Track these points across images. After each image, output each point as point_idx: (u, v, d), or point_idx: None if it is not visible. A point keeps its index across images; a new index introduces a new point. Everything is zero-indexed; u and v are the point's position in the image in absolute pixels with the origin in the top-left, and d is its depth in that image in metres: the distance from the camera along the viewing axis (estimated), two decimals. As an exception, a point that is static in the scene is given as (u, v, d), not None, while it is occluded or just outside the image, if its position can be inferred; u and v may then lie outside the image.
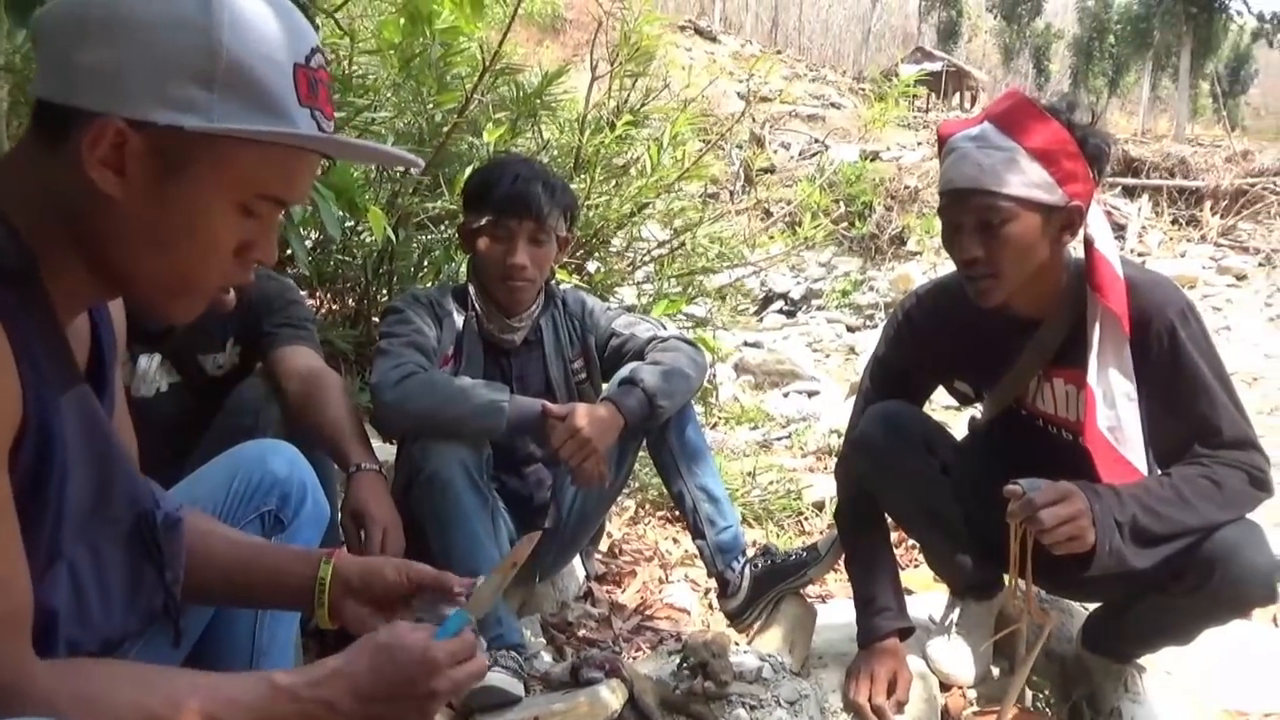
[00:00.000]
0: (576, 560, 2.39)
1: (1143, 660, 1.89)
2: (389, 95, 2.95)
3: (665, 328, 2.11)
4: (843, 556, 1.96)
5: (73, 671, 0.81)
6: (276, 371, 1.76)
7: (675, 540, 2.94)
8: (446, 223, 3.15)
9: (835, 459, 2.62)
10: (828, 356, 8.34)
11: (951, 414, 2.91)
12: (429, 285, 2.85)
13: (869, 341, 8.12)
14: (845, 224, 10.56)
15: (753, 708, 1.68)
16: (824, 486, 3.39)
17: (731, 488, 3.11)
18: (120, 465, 0.91)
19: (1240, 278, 11.67)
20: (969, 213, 1.58)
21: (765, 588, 1.97)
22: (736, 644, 1.88)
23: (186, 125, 0.79)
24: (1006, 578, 1.69)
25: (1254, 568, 1.55)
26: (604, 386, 2.08)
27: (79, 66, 0.79)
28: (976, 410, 1.96)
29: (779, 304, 11.73)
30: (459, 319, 2.00)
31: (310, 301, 3.13)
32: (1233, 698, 1.99)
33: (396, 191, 3.02)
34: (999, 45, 51.49)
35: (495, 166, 2.04)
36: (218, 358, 1.85)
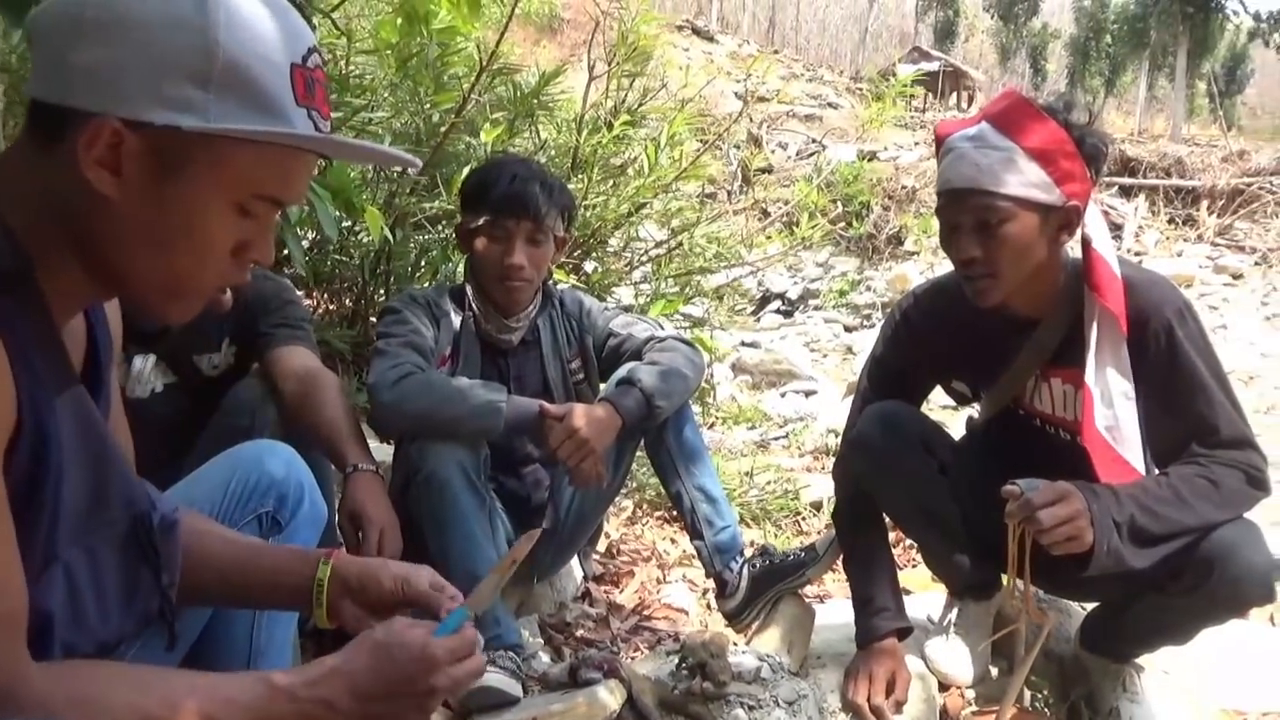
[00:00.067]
0: (574, 561, 2.39)
1: (1141, 660, 1.89)
2: (386, 95, 2.95)
3: (663, 328, 2.11)
4: (841, 556, 1.96)
5: (68, 674, 0.80)
6: (273, 372, 1.76)
7: (673, 540, 2.93)
8: (444, 223, 3.14)
9: (833, 459, 2.62)
10: (825, 356, 8.35)
11: (949, 414, 2.91)
12: (426, 285, 2.84)
13: (866, 341, 8.13)
14: (842, 224, 10.58)
15: (751, 708, 1.68)
16: (822, 486, 3.40)
17: (729, 488, 3.11)
18: (116, 467, 0.91)
19: (1237, 277, 11.70)
20: (967, 213, 1.58)
21: (763, 588, 1.97)
22: (735, 644, 1.88)
23: (183, 125, 0.79)
24: (1005, 578, 1.70)
25: (1252, 567, 1.55)
26: (601, 387, 2.08)
27: (74, 66, 0.79)
28: (974, 410, 1.96)
29: (776, 304, 11.75)
30: (456, 319, 2.00)
31: (307, 302, 3.12)
32: (1231, 697, 1.99)
33: (394, 191, 3.01)
34: (996, 45, 51.53)
35: (493, 166, 2.04)
36: (213, 358, 1.84)
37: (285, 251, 2.02)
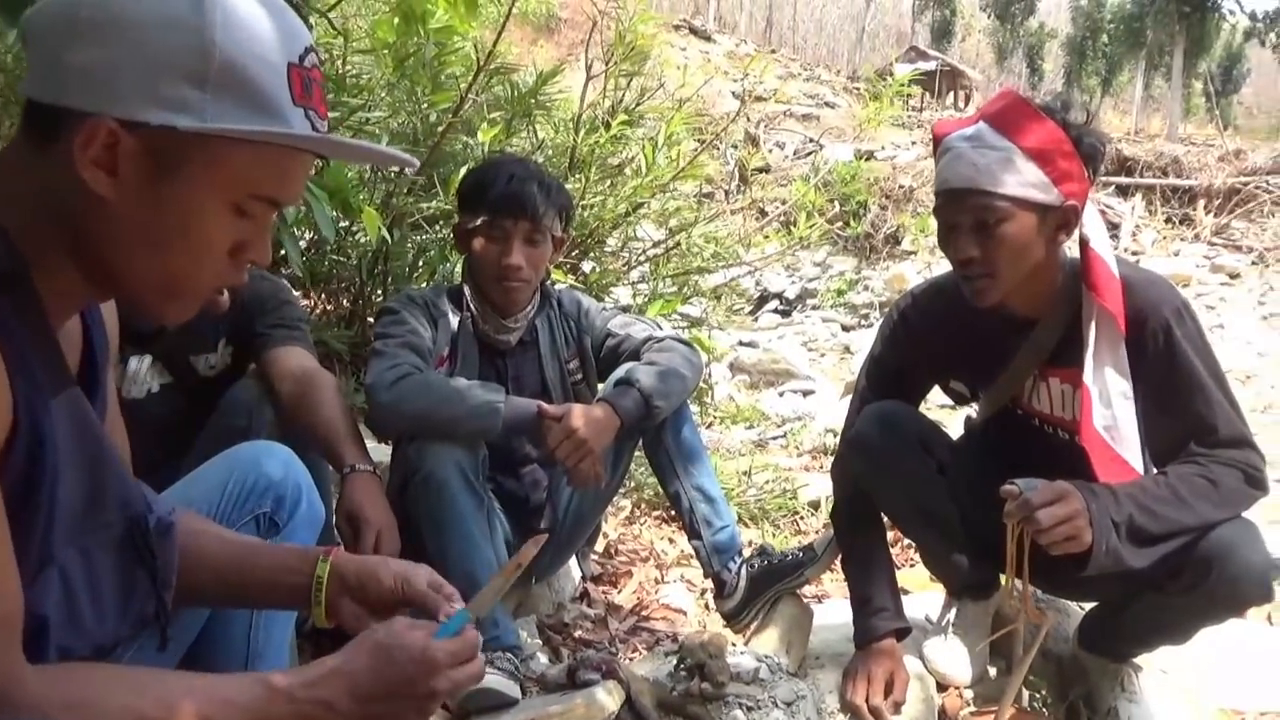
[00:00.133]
0: (572, 561, 2.39)
1: (1139, 659, 1.89)
2: (383, 95, 2.94)
3: (661, 328, 2.11)
4: (839, 556, 1.96)
5: (64, 676, 0.80)
6: (270, 372, 1.75)
7: (671, 540, 2.93)
8: (441, 223, 3.14)
9: (831, 458, 2.62)
10: (823, 356, 8.36)
11: (946, 413, 2.91)
12: (424, 286, 2.84)
13: (864, 341, 8.14)
14: (840, 223, 10.56)
15: (750, 709, 1.67)
16: (819, 486, 3.40)
17: (727, 487, 3.11)
18: (112, 469, 0.90)
19: (1233, 276, 11.72)
20: (965, 212, 1.58)
21: (762, 588, 1.97)
22: (733, 645, 1.88)
23: (179, 125, 0.79)
24: (1003, 578, 1.69)
25: (1250, 566, 1.55)
26: (599, 387, 2.08)
27: (70, 66, 0.78)
28: (972, 410, 1.96)
29: (774, 303, 11.75)
30: (454, 319, 1.99)
31: (305, 302, 3.12)
32: (1229, 696, 1.99)
33: (391, 192, 3.01)
34: (993, 45, 51.59)
35: (490, 166, 2.03)
36: (209, 358, 1.84)
37: (282, 252, 2.01)
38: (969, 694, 1.92)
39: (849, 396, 2.05)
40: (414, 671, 0.89)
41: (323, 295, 3.30)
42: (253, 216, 0.86)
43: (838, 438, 2.19)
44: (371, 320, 2.87)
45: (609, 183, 3.67)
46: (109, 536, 0.90)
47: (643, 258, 4.11)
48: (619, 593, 2.53)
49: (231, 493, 1.21)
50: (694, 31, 34.37)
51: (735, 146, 13.10)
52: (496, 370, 2.02)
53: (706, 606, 2.48)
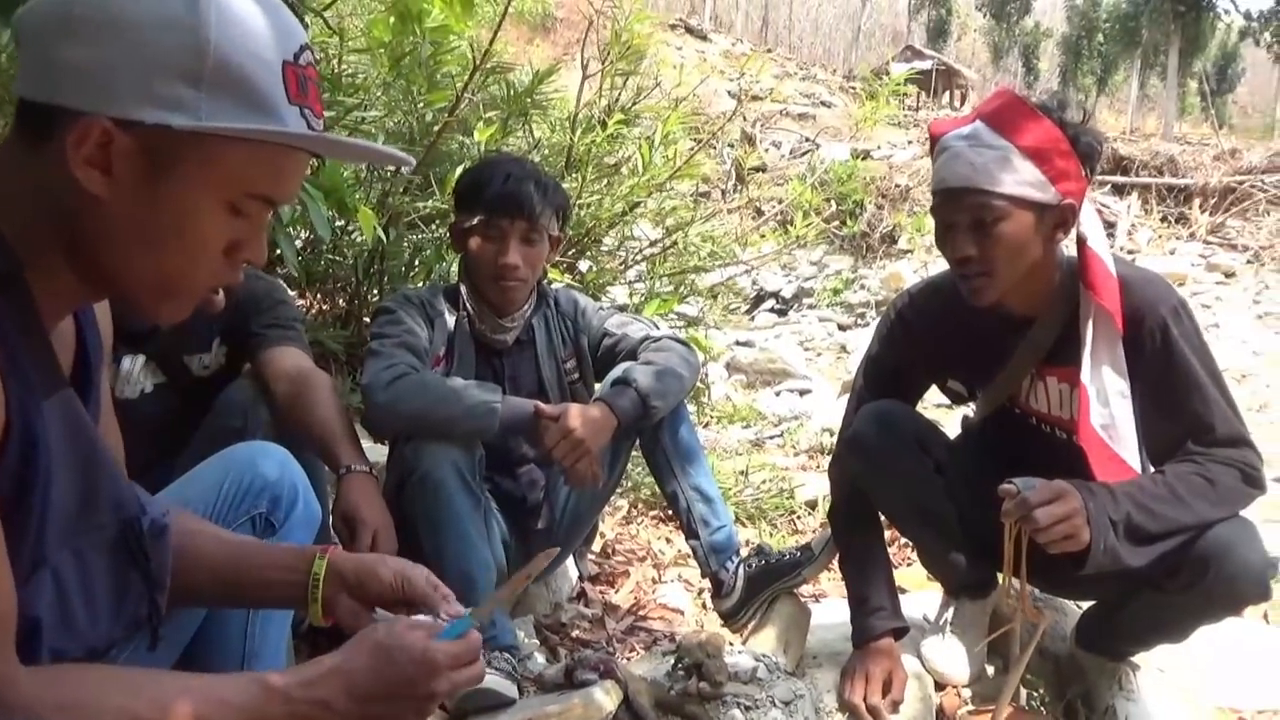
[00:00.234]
0: (569, 561, 2.38)
1: (1137, 658, 1.89)
2: (379, 94, 2.93)
3: (658, 327, 2.10)
4: (836, 556, 1.95)
5: (57, 678, 0.79)
6: (265, 373, 1.75)
7: (668, 540, 2.93)
8: (437, 222, 3.13)
9: (828, 457, 2.62)
10: (819, 355, 8.36)
11: (944, 412, 2.91)
12: (420, 285, 2.83)
13: (860, 340, 8.15)
14: (836, 222, 10.57)
15: (748, 708, 1.67)
16: (816, 485, 3.40)
17: (724, 487, 3.11)
18: (106, 470, 0.90)
19: (1229, 275, 11.73)
20: (962, 211, 1.58)
21: (759, 587, 1.97)
22: (731, 644, 1.88)
23: (174, 124, 0.78)
24: (1001, 577, 1.69)
25: (1248, 565, 1.55)
26: (596, 386, 2.07)
27: (64, 65, 0.78)
28: (969, 409, 1.96)
29: (770, 303, 11.76)
30: (450, 319, 1.99)
31: (300, 302, 3.11)
32: (1227, 695, 1.99)
33: (387, 191, 3.00)
34: (988, 44, 51.68)
35: (487, 166, 2.03)
36: (204, 358, 1.83)
37: (278, 252, 2.01)
38: (967, 693, 1.92)
39: (846, 396, 2.05)
40: (414, 672, 0.89)
41: (318, 295, 3.29)
42: (248, 215, 0.86)
43: (834, 437, 2.19)
44: (367, 320, 2.86)
45: (605, 182, 3.67)
46: (102, 538, 0.90)
47: (639, 257, 4.11)
48: (616, 592, 2.52)
49: (227, 493, 1.20)
50: (690, 31, 34.38)
51: (731, 146, 13.09)
52: (493, 370, 2.01)
53: (704, 606, 2.48)
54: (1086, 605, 1.95)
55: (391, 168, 2.93)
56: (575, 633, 2.24)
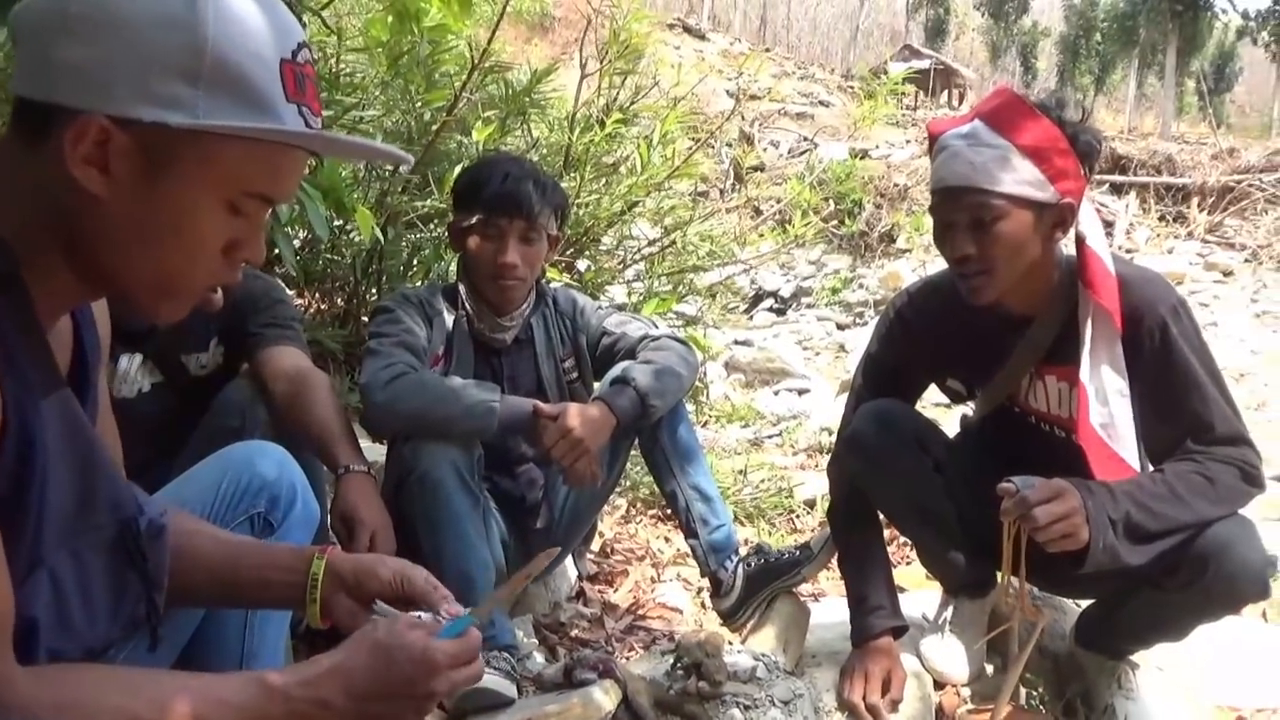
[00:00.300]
0: (568, 560, 2.38)
1: (1136, 657, 1.89)
2: (377, 94, 2.93)
3: (656, 326, 2.10)
4: (835, 555, 1.95)
5: (55, 677, 0.79)
6: (263, 372, 1.75)
7: (667, 539, 2.93)
8: (436, 221, 3.13)
9: (826, 456, 2.61)
10: (818, 354, 8.36)
11: (942, 411, 2.91)
12: (419, 284, 2.83)
13: (859, 339, 8.15)
14: (835, 222, 10.59)
15: (747, 707, 1.67)
16: (815, 484, 3.40)
17: (723, 486, 3.11)
18: (103, 470, 0.89)
19: (1227, 274, 11.73)
20: (961, 210, 1.58)
21: (758, 587, 1.97)
22: (730, 643, 1.88)
23: (172, 122, 0.78)
24: (1000, 575, 1.69)
25: (1246, 563, 1.55)
26: (595, 386, 2.07)
27: (61, 63, 0.78)
28: (969, 408, 1.96)
29: (769, 302, 11.76)
30: (449, 318, 1.98)
31: (299, 301, 3.11)
32: (1226, 693, 1.99)
33: (385, 190, 3.00)
34: (986, 43, 51.72)
35: (485, 165, 2.03)
36: (201, 358, 1.83)
37: (276, 251, 2.00)
38: (966, 692, 1.91)
39: (844, 395, 2.05)
40: (413, 672, 0.89)
41: (317, 294, 3.29)
42: (246, 214, 0.86)
43: (833, 436, 2.19)
44: (366, 319, 2.86)
45: (604, 181, 3.67)
46: (99, 538, 0.89)
47: (638, 256, 4.11)
48: (615, 592, 2.52)
49: (226, 493, 1.20)
50: (688, 30, 34.38)
51: (730, 145, 13.10)
52: (492, 369, 2.01)
53: (703, 605, 2.48)
54: (1085, 604, 1.95)
55: (390, 166, 2.93)
56: (574, 632, 2.24)
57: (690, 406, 2.68)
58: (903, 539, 2.62)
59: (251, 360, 1.79)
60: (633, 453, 2.13)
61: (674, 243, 4.12)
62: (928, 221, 1.67)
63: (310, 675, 0.87)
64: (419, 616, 0.97)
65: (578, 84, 3.63)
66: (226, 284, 0.91)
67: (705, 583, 2.10)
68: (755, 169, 13.73)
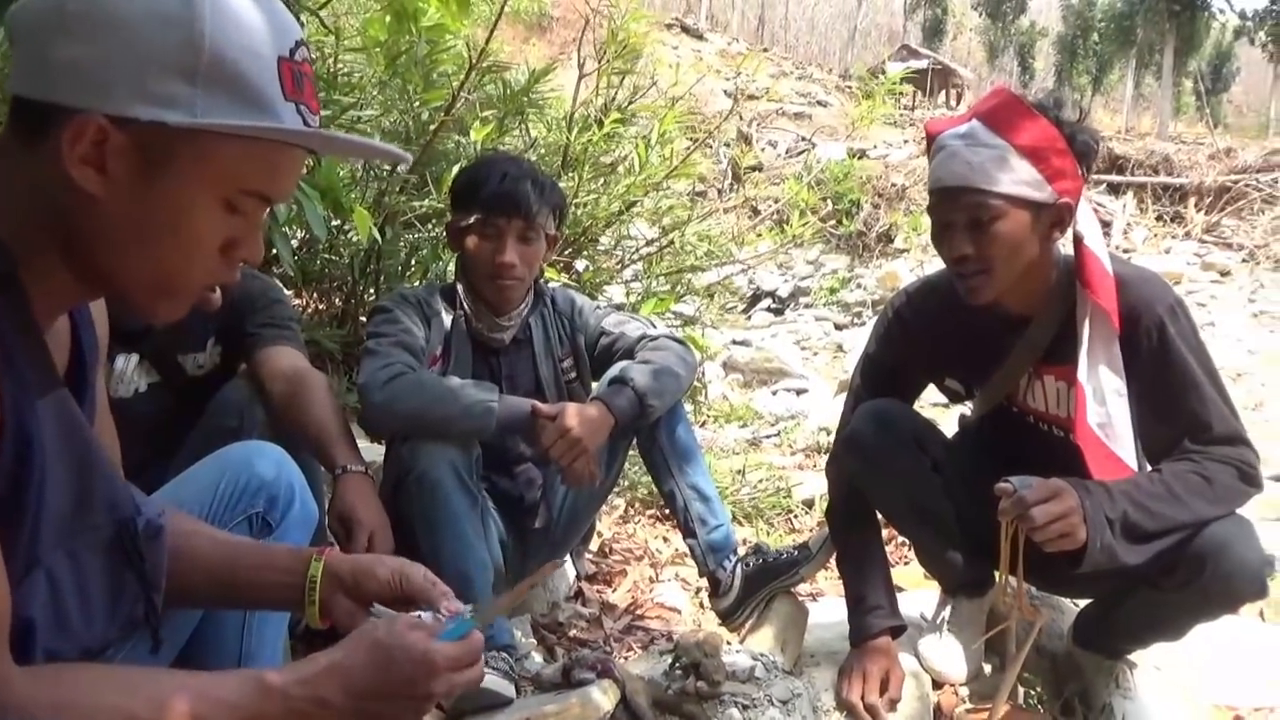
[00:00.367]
0: (567, 560, 2.38)
1: (1133, 656, 1.90)
2: (375, 93, 2.93)
3: (655, 326, 2.10)
4: (834, 555, 1.95)
5: (52, 677, 0.79)
6: (261, 372, 1.74)
7: (665, 539, 2.93)
8: (434, 221, 3.13)
9: (824, 456, 2.62)
10: (816, 354, 8.36)
11: (940, 411, 2.91)
12: (417, 284, 2.83)
13: (857, 339, 8.15)
14: (832, 222, 10.58)
15: (745, 707, 1.67)
16: (813, 484, 3.40)
17: (721, 486, 3.11)
18: (101, 471, 0.89)
19: (1224, 274, 11.74)
20: (959, 211, 1.58)
21: (757, 586, 1.97)
22: (728, 643, 1.88)
23: (169, 121, 0.78)
24: (998, 575, 1.69)
25: (1244, 563, 1.55)
26: (593, 385, 2.07)
27: (58, 62, 0.78)
28: (967, 408, 1.96)
29: (767, 302, 11.76)
30: (447, 318, 1.98)
31: (296, 301, 3.10)
32: (1223, 693, 1.99)
33: (383, 190, 3.00)
34: (984, 43, 51.79)
35: (483, 165, 2.02)
36: (198, 358, 1.82)
37: (273, 251, 2.00)
38: (964, 691, 1.92)
39: (842, 395, 2.06)
40: (413, 672, 0.89)
41: (314, 294, 3.29)
42: (244, 213, 0.85)
43: (831, 436, 2.19)
44: (364, 319, 2.86)
45: (602, 181, 3.67)
46: (97, 539, 0.89)
47: (636, 256, 4.11)
48: (614, 592, 2.52)
49: (224, 493, 1.20)
50: (686, 30, 34.39)
51: (728, 145, 13.10)
52: (490, 369, 2.01)
53: (701, 605, 2.48)
54: (1083, 603, 1.96)
55: (388, 166, 2.93)
56: (573, 632, 2.24)
57: (688, 406, 2.69)
58: (901, 539, 2.62)
59: (249, 360, 1.79)
60: (631, 452, 2.13)
61: (672, 243, 4.12)
62: (925, 221, 1.67)
63: (308, 674, 0.87)
64: (419, 616, 0.96)
65: (576, 84, 3.63)
66: (224, 283, 0.91)
67: (704, 583, 2.10)
68: (753, 169, 13.72)
